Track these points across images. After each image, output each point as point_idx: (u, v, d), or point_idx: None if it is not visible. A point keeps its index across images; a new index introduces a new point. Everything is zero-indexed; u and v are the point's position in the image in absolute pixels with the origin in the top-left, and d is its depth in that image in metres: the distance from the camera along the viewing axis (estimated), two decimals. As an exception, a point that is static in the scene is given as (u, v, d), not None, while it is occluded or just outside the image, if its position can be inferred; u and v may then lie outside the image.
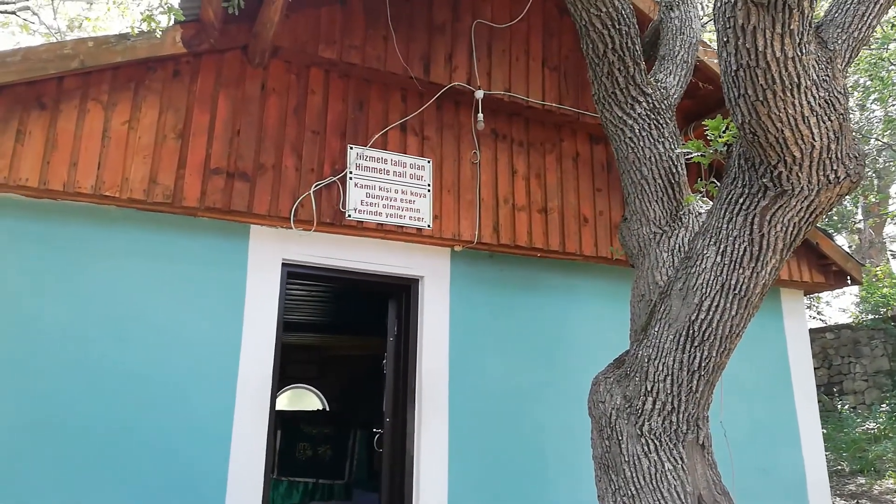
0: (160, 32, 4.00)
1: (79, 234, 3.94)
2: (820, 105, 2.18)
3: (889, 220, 14.12)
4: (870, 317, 10.40)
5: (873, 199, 13.98)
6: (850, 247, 15.77)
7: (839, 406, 10.14)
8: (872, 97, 11.66)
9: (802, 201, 2.37)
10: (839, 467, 8.35)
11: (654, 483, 2.62)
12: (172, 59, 4.19)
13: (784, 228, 2.44)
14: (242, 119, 4.33)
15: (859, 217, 15.13)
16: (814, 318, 13.45)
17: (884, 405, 9.43)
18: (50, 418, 3.68)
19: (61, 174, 3.75)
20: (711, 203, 2.75)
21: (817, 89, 2.16)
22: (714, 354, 2.61)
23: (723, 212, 2.55)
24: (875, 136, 12.33)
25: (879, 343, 9.90)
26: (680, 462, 2.66)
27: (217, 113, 4.26)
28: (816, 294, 11.49)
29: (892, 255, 15.05)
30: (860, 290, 11.01)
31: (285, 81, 4.53)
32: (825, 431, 9.10)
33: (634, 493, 2.64)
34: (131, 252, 4.04)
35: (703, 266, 2.58)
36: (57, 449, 3.66)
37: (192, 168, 4.09)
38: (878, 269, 11.43)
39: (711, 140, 2.63)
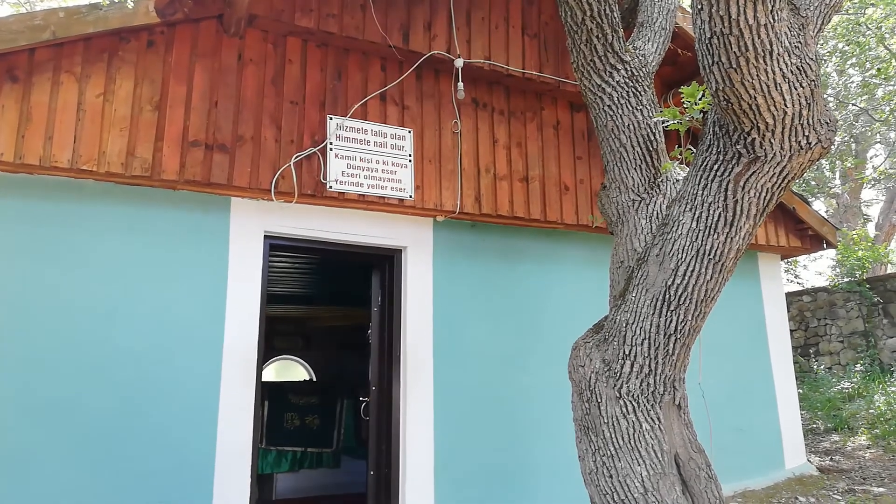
0: (132, 2, 3.93)
1: (57, 209, 3.91)
2: (792, 72, 2.21)
3: (865, 184, 14.30)
4: (845, 280, 10.59)
5: (850, 164, 14.15)
6: (827, 211, 15.99)
7: (815, 367, 10.40)
8: (850, 62, 11.72)
9: (775, 167, 2.41)
10: (814, 426, 8.60)
11: (633, 443, 2.71)
12: (146, 30, 4.11)
13: (757, 194, 2.48)
14: (220, 90, 4.28)
15: (836, 182, 15.32)
16: (791, 281, 13.69)
17: (858, 365, 9.67)
18: (35, 397, 3.69)
19: (37, 148, 3.70)
20: (688, 170, 2.79)
21: (789, 56, 2.19)
22: (689, 318, 2.68)
23: (698, 178, 2.59)
24: (852, 101, 12.42)
25: (854, 305, 10.12)
26: (657, 422, 2.75)
27: (194, 84, 4.21)
28: (794, 258, 11.70)
29: (867, 218, 15.29)
30: (836, 253, 11.20)
31: (262, 51, 4.47)
32: (801, 391, 9.34)
33: (613, 452, 2.73)
34: (111, 226, 4.02)
35: (679, 232, 2.63)
36: (48, 426, 3.68)
37: (170, 140, 4.05)
38: (853, 232, 11.62)
39: (687, 107, 2.66)
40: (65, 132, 3.79)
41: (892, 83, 10.81)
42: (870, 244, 11.26)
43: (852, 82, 12.38)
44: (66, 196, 3.94)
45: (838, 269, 11.78)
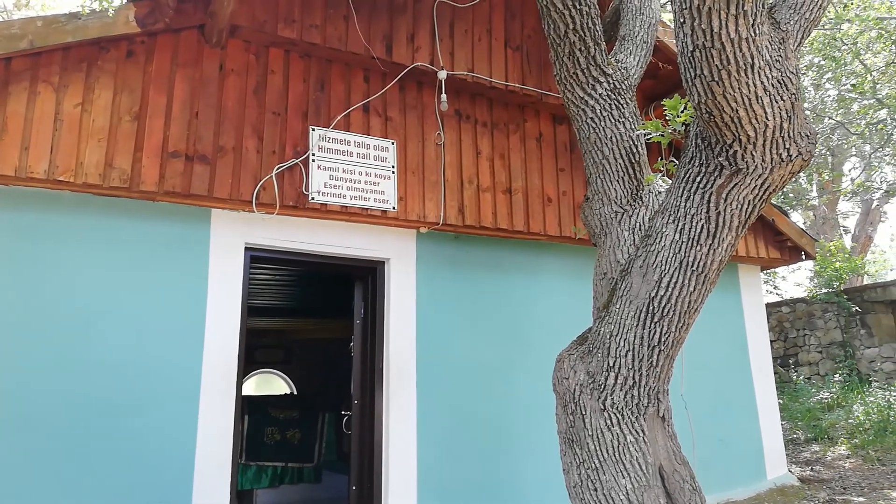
0: (112, 11, 3.88)
1: (32, 220, 3.83)
2: (773, 85, 2.23)
3: (842, 196, 14.53)
4: (823, 291, 10.72)
5: (827, 177, 14.37)
6: (804, 223, 16.21)
7: (795, 377, 10.49)
8: (826, 77, 11.93)
9: (756, 179, 2.43)
10: (795, 436, 8.66)
11: (617, 455, 2.69)
12: (126, 39, 4.07)
13: (739, 206, 2.50)
14: (201, 100, 4.23)
15: (814, 194, 15.54)
16: (770, 292, 13.83)
17: (837, 375, 9.78)
18: (13, 410, 3.60)
19: (12, 159, 3.63)
20: (671, 182, 2.80)
21: (770, 69, 2.21)
22: (673, 329, 2.68)
23: (681, 190, 2.60)
24: (829, 115, 12.63)
25: (833, 316, 10.24)
26: (641, 434, 2.74)
27: (174, 94, 4.16)
28: (773, 269, 11.83)
29: (844, 230, 15.52)
30: (814, 264, 11.34)
31: (244, 61, 4.44)
32: (781, 402, 9.41)
33: (598, 465, 2.71)
34: (88, 239, 3.95)
35: (662, 244, 2.64)
36: (24, 441, 3.59)
37: (149, 151, 4.00)
38: (831, 244, 11.78)
39: (670, 120, 2.67)
40: (41, 142, 3.72)
41: (867, 97, 11.02)
42: (847, 255, 11.42)
43: (829, 96, 12.60)
44: (43, 207, 3.86)
45: (816, 281, 11.92)
